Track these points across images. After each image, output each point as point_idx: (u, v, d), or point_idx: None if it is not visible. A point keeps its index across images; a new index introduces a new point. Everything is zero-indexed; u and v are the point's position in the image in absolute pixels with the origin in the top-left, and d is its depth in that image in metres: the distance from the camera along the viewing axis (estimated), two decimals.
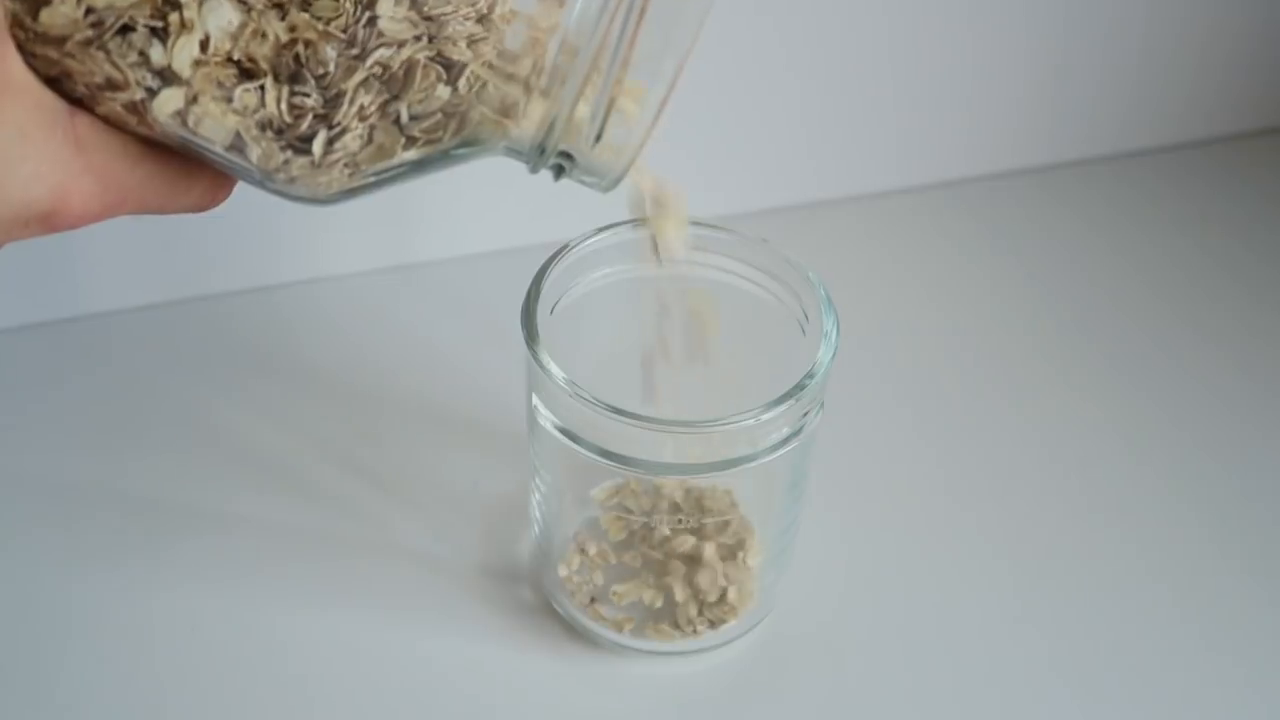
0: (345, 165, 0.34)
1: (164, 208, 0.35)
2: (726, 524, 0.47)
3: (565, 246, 0.45)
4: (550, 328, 0.44)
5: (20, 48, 0.32)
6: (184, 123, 0.33)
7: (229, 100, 0.32)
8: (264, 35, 0.32)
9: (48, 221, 0.33)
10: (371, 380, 0.56)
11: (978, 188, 0.66)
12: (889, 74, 0.62)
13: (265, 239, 0.59)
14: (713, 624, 0.46)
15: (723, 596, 0.46)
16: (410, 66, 0.33)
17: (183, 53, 0.32)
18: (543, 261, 0.44)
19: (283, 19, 0.32)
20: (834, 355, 0.42)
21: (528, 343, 0.42)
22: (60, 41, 0.32)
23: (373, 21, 0.32)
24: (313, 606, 0.48)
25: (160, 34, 0.31)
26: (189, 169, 0.35)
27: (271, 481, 0.52)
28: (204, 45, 0.32)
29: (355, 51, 0.32)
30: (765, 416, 0.41)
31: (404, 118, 0.34)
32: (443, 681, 0.46)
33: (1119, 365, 0.58)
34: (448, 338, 0.58)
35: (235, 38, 0.32)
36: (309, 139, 0.33)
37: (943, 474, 0.53)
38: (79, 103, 0.33)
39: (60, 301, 0.58)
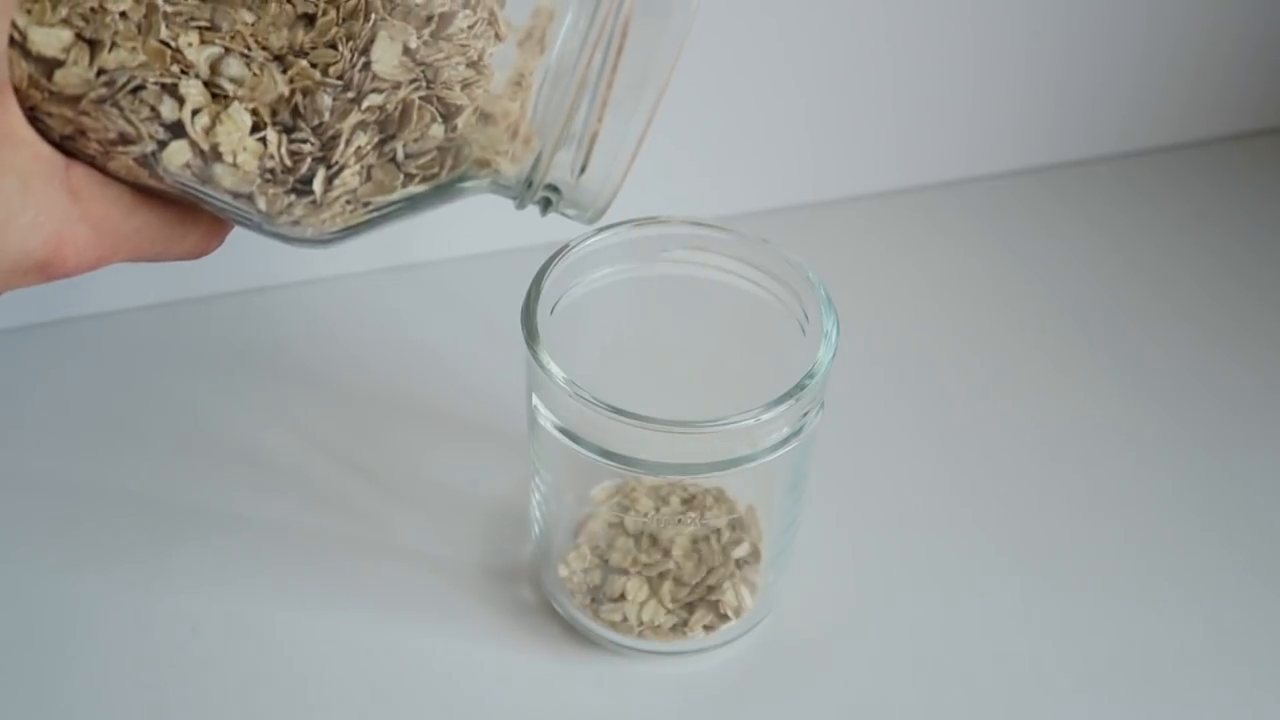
0: (347, 201, 0.35)
1: (159, 255, 0.36)
2: (727, 524, 0.47)
3: (565, 246, 0.45)
4: (550, 328, 0.44)
5: (36, 108, 0.33)
6: (194, 173, 0.33)
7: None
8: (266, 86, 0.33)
9: (44, 271, 0.33)
10: (372, 380, 0.56)
11: (978, 188, 0.66)
12: (889, 74, 0.62)
13: (264, 240, 0.58)
14: (713, 624, 0.46)
15: (723, 596, 0.46)
16: (405, 107, 0.34)
17: (204, 120, 0.33)
18: (543, 261, 0.45)
19: (284, 71, 0.32)
20: (834, 355, 0.42)
21: (528, 343, 0.42)
22: (75, 100, 0.33)
23: (368, 66, 0.33)
24: (313, 606, 0.48)
25: (170, 89, 0.32)
26: (184, 216, 0.36)
27: (271, 481, 0.52)
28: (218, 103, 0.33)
29: (351, 95, 0.33)
30: (765, 416, 0.41)
31: (400, 156, 0.35)
32: (443, 681, 0.46)
33: (1119, 365, 0.58)
34: (448, 338, 0.58)
35: (241, 87, 0.33)
36: (309, 180, 0.34)
37: (943, 473, 0.53)
38: (90, 160, 0.34)
39: (60, 301, 0.58)
